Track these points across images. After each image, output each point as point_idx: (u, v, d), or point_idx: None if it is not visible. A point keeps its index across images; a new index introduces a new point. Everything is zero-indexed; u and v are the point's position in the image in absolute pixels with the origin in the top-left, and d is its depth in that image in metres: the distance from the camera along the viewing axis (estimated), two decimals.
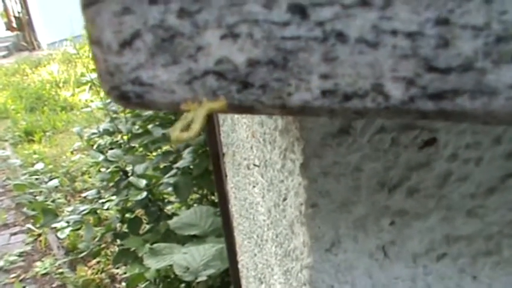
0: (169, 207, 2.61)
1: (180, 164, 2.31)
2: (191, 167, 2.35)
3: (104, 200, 2.35)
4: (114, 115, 2.45)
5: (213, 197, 2.66)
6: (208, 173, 2.30)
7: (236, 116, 0.82)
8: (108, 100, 2.41)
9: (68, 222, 2.25)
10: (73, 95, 5.63)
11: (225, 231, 1.51)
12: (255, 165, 0.62)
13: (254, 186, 0.71)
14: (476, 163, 0.32)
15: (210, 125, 1.41)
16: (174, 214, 2.45)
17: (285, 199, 0.46)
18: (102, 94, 2.66)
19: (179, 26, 0.22)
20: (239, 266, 1.20)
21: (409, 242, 0.34)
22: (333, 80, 0.21)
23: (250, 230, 0.85)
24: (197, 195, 2.68)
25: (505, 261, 0.34)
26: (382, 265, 0.35)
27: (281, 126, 0.39)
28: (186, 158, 2.27)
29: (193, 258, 1.73)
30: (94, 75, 2.51)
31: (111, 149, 2.40)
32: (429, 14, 0.19)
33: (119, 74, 0.24)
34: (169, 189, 2.42)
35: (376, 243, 0.35)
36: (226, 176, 1.17)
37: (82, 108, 4.63)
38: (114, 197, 2.28)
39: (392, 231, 0.34)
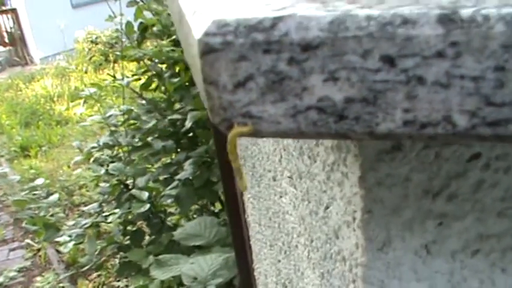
0: (169, 218, 2.65)
1: (181, 175, 2.35)
2: (191, 178, 2.40)
3: (106, 214, 2.40)
4: (114, 128, 2.50)
5: (213, 208, 2.71)
6: (210, 184, 2.35)
7: None
8: (108, 113, 2.47)
9: (70, 236, 2.29)
10: (67, 109, 5.68)
11: (235, 240, 1.57)
12: (289, 177, 0.68)
13: (281, 197, 0.77)
14: (505, 171, 0.38)
15: (220, 135, 1.47)
16: (175, 225, 2.50)
17: (327, 207, 0.52)
18: (100, 108, 2.71)
19: (288, 71, 0.28)
20: (255, 273, 1.25)
21: (448, 241, 0.40)
22: (413, 113, 0.27)
23: (273, 238, 0.90)
24: (197, 206, 2.73)
25: None
26: (425, 261, 0.41)
27: (331, 143, 0.45)
28: (187, 170, 2.32)
29: (201, 268, 1.78)
30: (92, 89, 2.57)
31: (112, 162, 2.45)
32: (489, 63, 0.25)
33: (231, 109, 0.29)
34: (169, 201, 2.46)
35: (420, 242, 0.41)
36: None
37: (78, 122, 4.67)
38: (116, 210, 2.33)
39: (434, 232, 0.40)
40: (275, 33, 0.27)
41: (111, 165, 2.35)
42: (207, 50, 0.28)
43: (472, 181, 0.39)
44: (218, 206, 2.65)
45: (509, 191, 0.39)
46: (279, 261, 0.90)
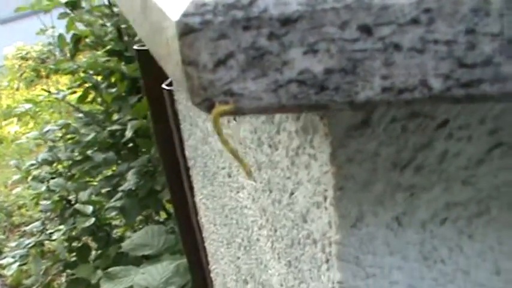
0: (114, 231, 2.60)
1: (124, 186, 2.31)
2: (134, 188, 2.36)
3: (50, 231, 2.32)
4: (52, 144, 2.42)
5: (158, 217, 2.68)
6: (154, 193, 2.32)
7: (210, 127, 0.88)
8: (45, 129, 2.39)
9: (13, 257, 2.20)
10: (0, 127, 5.46)
11: (186, 245, 1.55)
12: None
13: (238, 192, 0.77)
14: (468, 140, 0.40)
15: (164, 141, 1.45)
16: (121, 238, 2.45)
17: (292, 193, 0.53)
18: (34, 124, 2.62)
19: (268, 46, 0.28)
20: (212, 274, 1.25)
21: (417, 212, 0.42)
22: (391, 80, 0.28)
23: (231, 235, 0.90)
24: (141, 217, 2.68)
25: (493, 220, 0.43)
26: (397, 233, 0.43)
27: (295, 127, 0.46)
28: (130, 180, 2.29)
29: (152, 277, 1.75)
30: (27, 105, 2.48)
31: (52, 178, 2.37)
32: (460, 26, 0.27)
33: (212, 88, 0.30)
34: (114, 213, 2.41)
35: (391, 215, 0.42)
36: (192, 188, 1.22)
37: (13, 140, 4.50)
38: (60, 227, 2.26)
39: (403, 204, 0.42)
40: (254, 9, 0.28)
41: (51, 181, 2.28)
42: (187, 31, 0.28)
43: (438, 152, 0.40)
44: (163, 215, 2.62)
45: (472, 159, 0.41)
46: (238, 258, 0.90)
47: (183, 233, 1.54)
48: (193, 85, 0.30)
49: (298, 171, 0.49)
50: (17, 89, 7.04)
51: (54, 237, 2.27)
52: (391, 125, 0.39)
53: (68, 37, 2.41)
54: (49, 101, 2.43)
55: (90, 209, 2.18)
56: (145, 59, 1.30)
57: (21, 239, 2.42)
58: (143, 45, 1.29)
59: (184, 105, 1.09)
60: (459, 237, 0.43)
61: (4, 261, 2.23)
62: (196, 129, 1.00)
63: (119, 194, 2.28)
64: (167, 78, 1.16)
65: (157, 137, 1.52)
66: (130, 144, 2.50)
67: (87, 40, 2.43)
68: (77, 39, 2.41)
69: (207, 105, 0.30)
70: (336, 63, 0.28)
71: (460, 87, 0.28)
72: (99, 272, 2.06)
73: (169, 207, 2.38)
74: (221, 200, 0.91)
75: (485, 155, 0.40)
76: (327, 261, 0.46)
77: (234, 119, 0.67)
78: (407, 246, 0.43)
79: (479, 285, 0.45)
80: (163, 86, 1.18)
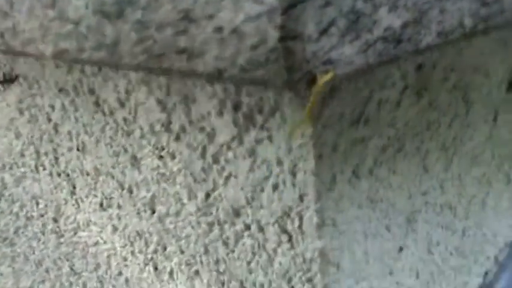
0: None
1: None
2: None
3: None
4: None
5: None
6: None
7: (6, 180, 0.74)
8: None
9: None
10: None
11: None
12: (106, 198, 0.62)
13: (76, 232, 0.69)
14: (392, 86, 0.48)
15: None
16: None
17: (208, 195, 0.52)
18: None
19: (364, 8, 0.30)
20: None
21: (366, 160, 0.48)
22: (442, 24, 0.33)
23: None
24: None
25: (407, 153, 0.52)
26: (355, 186, 0.48)
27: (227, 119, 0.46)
28: None
29: None
30: None
31: None
32: None
33: (314, 59, 0.30)
34: None
35: (350, 169, 0.47)
36: None
37: None
38: None
39: (358, 156, 0.47)
40: None
41: None
42: (293, 3, 0.28)
43: (375, 102, 0.47)
44: None
45: (393, 103, 0.49)
46: None
47: None
48: (296, 61, 0.29)
49: (225, 166, 0.49)
50: None
51: None
52: (353, 86, 0.44)
53: None
54: None
55: None
56: None
57: None
58: None
59: None
60: (388, 174, 0.51)
61: None
62: None
63: None
64: None
65: None
66: None
67: None
68: None
69: (308, 79, 0.30)
70: (410, 16, 0.32)
71: (483, 22, 0.35)
72: None
73: None
74: (34, 255, 0.79)
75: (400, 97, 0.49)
76: (290, 238, 0.48)
77: None
78: (361, 195, 0.49)
79: (398, 211, 0.54)
80: None
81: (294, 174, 0.45)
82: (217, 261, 0.56)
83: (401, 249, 0.56)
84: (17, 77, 0.54)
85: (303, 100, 0.41)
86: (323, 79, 0.30)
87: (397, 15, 0.32)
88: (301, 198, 0.46)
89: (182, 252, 0.60)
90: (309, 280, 0.49)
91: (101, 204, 0.65)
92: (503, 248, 0.74)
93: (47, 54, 0.40)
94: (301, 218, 0.47)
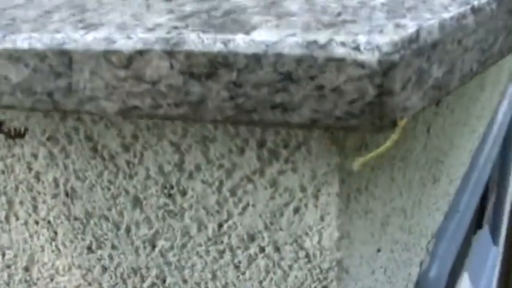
0: None
1: None
2: None
3: None
4: None
5: None
6: None
7: None
8: None
9: None
10: None
11: None
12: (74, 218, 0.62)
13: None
14: None
15: None
16: None
17: (221, 225, 0.57)
18: None
19: (425, 67, 0.38)
20: None
21: (365, 178, 0.57)
22: (463, 71, 0.43)
23: None
24: None
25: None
26: (358, 200, 0.56)
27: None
28: None
29: None
30: None
31: None
32: None
33: (397, 109, 0.37)
34: None
35: (357, 187, 0.55)
36: None
37: None
38: None
39: (362, 175, 0.56)
40: (421, 40, 0.37)
41: None
42: (390, 66, 0.35)
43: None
44: None
45: None
46: None
47: None
48: (386, 111, 0.37)
49: (242, 197, 0.55)
50: None
51: None
52: None
53: None
54: None
55: None
56: None
57: None
58: None
59: None
60: (374, 188, 0.60)
61: None
62: None
63: None
64: None
65: None
66: None
67: None
68: None
69: (391, 124, 0.38)
70: (447, 68, 0.41)
71: (481, 65, 0.45)
72: None
73: None
74: None
75: None
76: (307, 254, 0.55)
77: None
78: (360, 208, 0.57)
79: (378, 218, 0.64)
80: None
81: (316, 197, 0.52)
82: (225, 285, 0.61)
83: (379, 250, 0.66)
84: (26, 131, 0.54)
85: (332, 135, 0.48)
86: (402, 123, 0.38)
87: (441, 68, 0.41)
88: (322, 218, 0.53)
89: (185, 281, 0.63)
90: (325, 287, 0.56)
91: (89, 248, 0.66)
92: (431, 239, 0.88)
93: (111, 112, 0.43)
94: (320, 235, 0.54)
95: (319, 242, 0.54)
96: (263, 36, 0.37)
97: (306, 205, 0.53)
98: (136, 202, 0.60)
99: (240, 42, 0.38)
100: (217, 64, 0.38)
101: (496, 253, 1.44)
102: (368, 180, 0.57)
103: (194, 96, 0.40)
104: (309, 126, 0.38)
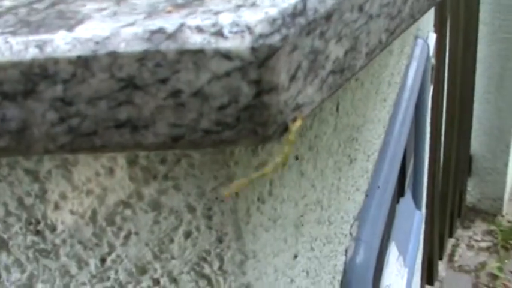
0: None
1: None
2: None
3: None
4: None
5: None
6: None
7: None
8: None
9: None
10: None
11: None
12: None
13: None
14: None
15: None
16: None
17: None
18: None
19: (319, 46, 0.28)
20: None
21: (266, 182, 0.47)
22: (369, 45, 0.33)
23: None
24: None
25: None
26: (262, 211, 0.47)
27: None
28: None
29: None
30: None
31: None
32: None
33: (286, 108, 0.27)
34: None
35: (257, 196, 0.45)
36: None
37: None
38: None
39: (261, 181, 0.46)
40: (309, 12, 0.27)
41: None
42: (270, 53, 0.25)
43: None
44: None
45: None
46: None
47: None
48: (271, 114, 0.27)
49: (122, 225, 0.44)
50: None
51: None
52: None
53: None
54: None
55: None
56: None
57: None
58: None
59: None
60: (280, 190, 0.51)
61: None
62: None
63: None
64: None
65: None
66: None
67: None
68: None
69: (281, 130, 0.28)
70: (348, 43, 0.31)
71: (392, 35, 0.36)
72: None
73: None
74: None
75: None
76: (210, 281, 0.45)
77: None
78: (266, 217, 0.48)
79: (290, 221, 0.54)
80: None
81: (209, 217, 0.42)
82: None
83: (295, 256, 0.57)
84: None
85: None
86: (295, 127, 0.28)
87: (341, 45, 0.31)
88: (219, 240, 0.43)
89: None
90: None
91: None
92: (353, 223, 0.80)
93: None
94: (221, 259, 0.44)
95: (220, 267, 0.44)
96: (91, 31, 0.26)
97: (197, 228, 0.43)
98: (2, 244, 0.48)
99: (60, 43, 0.26)
100: (34, 77, 0.26)
101: (420, 217, 1.42)
102: (271, 184, 0.47)
103: (13, 123, 0.28)
104: (170, 147, 0.28)
